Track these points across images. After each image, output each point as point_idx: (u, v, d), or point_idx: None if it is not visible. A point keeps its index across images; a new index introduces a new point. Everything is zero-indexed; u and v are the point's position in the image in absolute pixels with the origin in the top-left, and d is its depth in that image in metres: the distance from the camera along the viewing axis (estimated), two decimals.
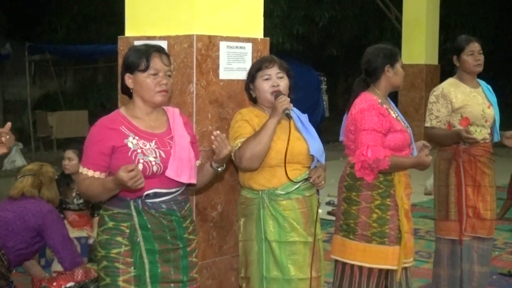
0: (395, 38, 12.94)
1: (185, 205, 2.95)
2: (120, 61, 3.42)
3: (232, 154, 3.18)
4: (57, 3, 15.32)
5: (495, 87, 4.69)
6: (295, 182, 3.28)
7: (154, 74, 2.85)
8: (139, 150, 2.79)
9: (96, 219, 5.43)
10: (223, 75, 3.49)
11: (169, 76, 2.91)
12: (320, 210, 3.67)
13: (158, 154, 2.82)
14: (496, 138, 4.43)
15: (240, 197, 3.41)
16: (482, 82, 4.50)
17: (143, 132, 2.86)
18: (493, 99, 4.44)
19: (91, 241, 5.64)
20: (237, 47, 3.54)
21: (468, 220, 4.27)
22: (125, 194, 2.80)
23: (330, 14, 14.80)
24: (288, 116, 3.22)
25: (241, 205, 3.39)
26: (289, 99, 3.26)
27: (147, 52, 2.85)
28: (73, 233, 5.53)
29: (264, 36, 3.72)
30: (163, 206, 2.85)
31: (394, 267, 3.62)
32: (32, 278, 4.94)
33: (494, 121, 4.39)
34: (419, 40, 10.93)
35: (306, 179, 3.33)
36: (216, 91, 3.47)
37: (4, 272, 4.46)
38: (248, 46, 3.60)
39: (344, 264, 3.71)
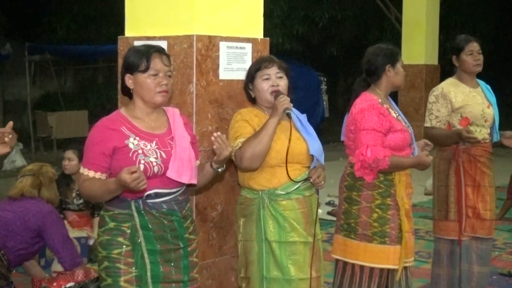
0: (395, 38, 12.93)
1: (186, 205, 2.96)
2: (120, 61, 3.43)
3: (232, 154, 3.18)
4: (57, 3, 15.31)
5: (495, 87, 4.69)
6: (296, 181, 3.28)
7: (155, 75, 2.85)
8: (140, 151, 2.80)
9: (97, 219, 5.45)
10: (223, 75, 3.50)
11: (169, 76, 2.91)
12: (320, 211, 3.67)
13: (159, 154, 2.83)
14: (496, 138, 4.43)
15: (240, 197, 3.41)
16: (481, 82, 4.50)
17: (144, 133, 2.87)
18: (493, 99, 4.44)
19: (90, 242, 5.65)
20: (237, 47, 3.54)
21: (468, 220, 4.27)
22: (126, 194, 2.80)
23: (330, 14, 14.80)
24: (289, 116, 3.22)
25: (240, 205, 3.39)
26: (289, 99, 3.27)
27: (147, 52, 2.85)
28: (73, 233, 5.54)
29: (264, 36, 3.73)
30: (164, 206, 2.85)
31: (395, 267, 3.63)
32: (32, 278, 4.94)
33: (494, 121, 4.39)
34: (419, 40, 10.92)
35: (306, 179, 3.33)
36: (216, 91, 3.47)
37: (4, 273, 4.46)
38: (248, 47, 3.60)
39: (345, 263, 3.71)
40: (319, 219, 3.50)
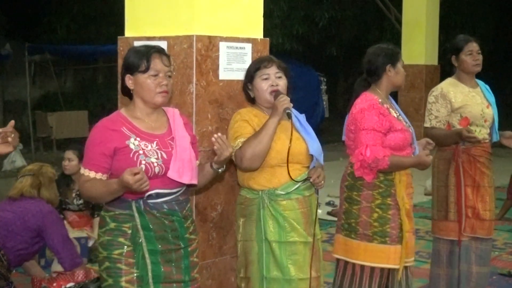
0: (395, 39, 12.94)
1: (186, 205, 2.96)
2: (120, 61, 3.43)
3: (233, 154, 3.19)
4: (57, 3, 15.31)
5: (495, 87, 4.69)
6: (296, 181, 3.28)
7: (155, 75, 2.85)
8: (140, 152, 2.80)
9: (97, 219, 5.45)
10: (223, 75, 3.50)
11: (170, 76, 2.91)
12: (320, 211, 3.67)
13: (159, 155, 2.83)
14: (495, 138, 4.43)
15: (239, 197, 3.41)
16: (480, 82, 4.50)
17: (144, 133, 2.87)
18: (492, 99, 4.44)
19: (90, 243, 5.64)
20: (237, 47, 3.54)
21: (467, 221, 4.27)
22: (126, 195, 2.79)
23: (330, 14, 14.80)
24: (289, 116, 3.22)
25: (240, 205, 3.39)
26: (289, 99, 3.27)
27: (147, 53, 2.85)
28: (73, 233, 5.54)
29: (264, 36, 3.73)
30: (165, 206, 2.86)
31: (396, 267, 3.63)
32: (32, 278, 4.94)
33: (493, 121, 4.39)
34: (419, 41, 10.92)
35: (306, 179, 3.33)
36: (216, 91, 3.47)
37: (4, 273, 4.46)
38: (248, 47, 3.60)
39: (346, 263, 3.72)
40: (319, 219, 3.50)
